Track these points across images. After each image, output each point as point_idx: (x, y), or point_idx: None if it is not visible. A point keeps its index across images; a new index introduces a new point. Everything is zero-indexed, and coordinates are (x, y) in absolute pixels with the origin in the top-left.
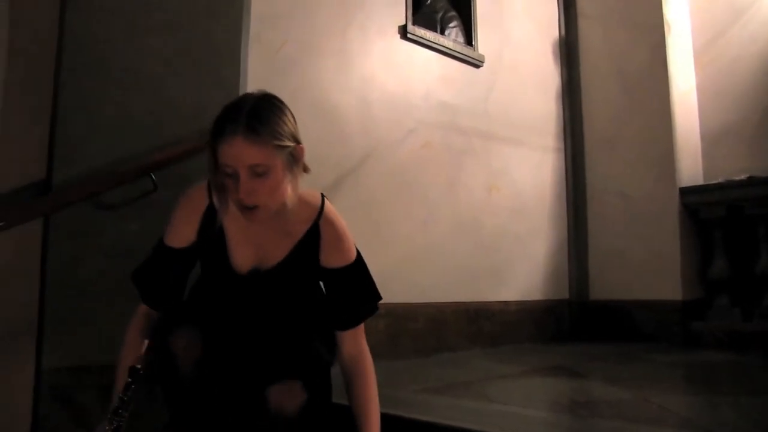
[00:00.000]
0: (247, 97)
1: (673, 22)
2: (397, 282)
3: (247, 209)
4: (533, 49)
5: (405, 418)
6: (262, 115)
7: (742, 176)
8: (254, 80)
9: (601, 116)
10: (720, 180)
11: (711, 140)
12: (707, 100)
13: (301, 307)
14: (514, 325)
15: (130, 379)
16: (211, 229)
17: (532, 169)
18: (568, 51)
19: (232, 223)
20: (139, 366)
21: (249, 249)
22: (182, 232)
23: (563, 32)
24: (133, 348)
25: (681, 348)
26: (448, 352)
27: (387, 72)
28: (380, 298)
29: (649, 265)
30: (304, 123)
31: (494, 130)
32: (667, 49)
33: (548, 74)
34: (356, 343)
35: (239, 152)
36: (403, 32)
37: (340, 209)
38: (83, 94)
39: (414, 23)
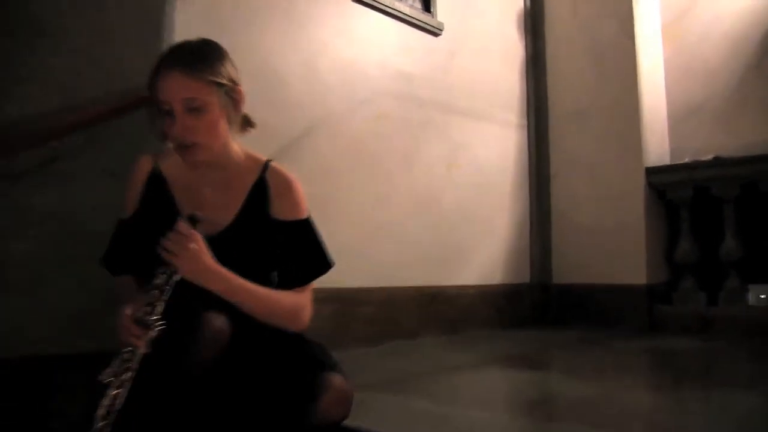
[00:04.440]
0: (188, 40)
1: None
2: (347, 264)
3: (186, 148)
4: (497, 18)
5: None
6: (200, 51)
7: (709, 156)
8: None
9: (567, 90)
10: (687, 160)
11: (678, 118)
12: (675, 77)
13: (259, 270)
14: (474, 310)
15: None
16: (157, 194)
17: (495, 144)
18: (534, 21)
19: (178, 183)
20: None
21: (199, 210)
22: (130, 201)
23: (529, 1)
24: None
25: (646, 333)
26: (402, 340)
27: (338, 37)
28: (332, 262)
29: (614, 247)
30: (244, 88)
31: (455, 102)
32: (635, 21)
33: (512, 45)
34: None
35: (173, 84)
36: None
37: None
38: None
39: None
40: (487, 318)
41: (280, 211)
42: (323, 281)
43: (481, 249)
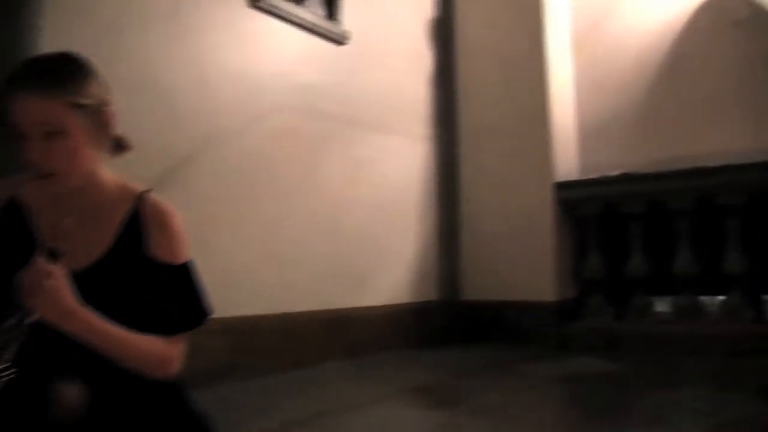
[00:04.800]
0: (45, 54)
1: (552, 6)
2: (242, 291)
3: (45, 176)
4: (406, 27)
5: None
6: (57, 68)
7: (617, 172)
8: (51, 47)
9: (478, 103)
10: (595, 175)
11: (589, 132)
12: (585, 91)
13: (126, 312)
14: (381, 332)
15: None
16: (14, 225)
17: (402, 159)
18: (444, 31)
19: (40, 213)
20: None
21: (60, 243)
22: None
23: (439, 11)
24: None
25: (555, 353)
26: (303, 369)
27: (231, 46)
28: (209, 313)
29: (523, 264)
30: (122, 101)
31: (359, 115)
32: (545, 34)
33: (422, 55)
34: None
35: (25, 107)
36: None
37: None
38: None
39: None
40: (395, 339)
41: (155, 250)
42: (216, 312)
43: (387, 268)
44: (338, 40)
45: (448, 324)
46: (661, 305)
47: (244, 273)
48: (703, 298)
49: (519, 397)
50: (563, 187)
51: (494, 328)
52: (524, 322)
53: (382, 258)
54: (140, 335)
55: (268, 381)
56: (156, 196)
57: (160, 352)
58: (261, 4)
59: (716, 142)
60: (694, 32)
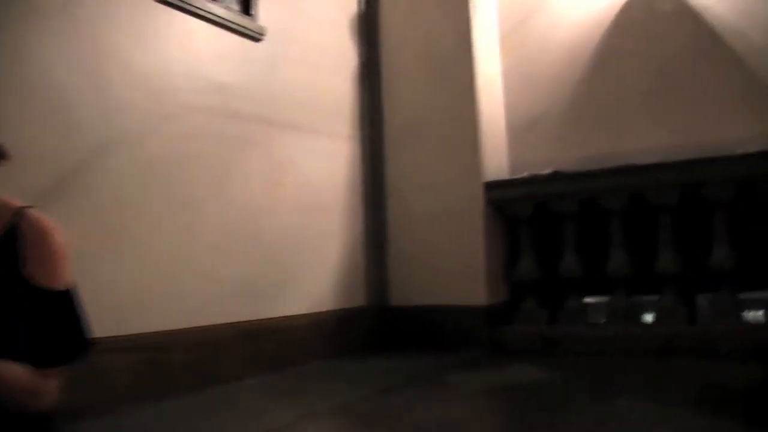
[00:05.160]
0: None
1: (480, 3)
2: (150, 306)
3: None
4: (328, 22)
5: None
6: None
7: (548, 170)
8: None
9: (404, 101)
10: (525, 174)
11: (518, 131)
12: (514, 89)
13: None
14: (303, 343)
15: None
16: None
17: (325, 161)
18: (369, 27)
19: None
20: None
21: None
22: None
23: (363, 5)
24: None
25: (488, 359)
26: (219, 386)
27: (136, 43)
28: (89, 344)
29: (453, 267)
30: (10, 104)
31: (278, 115)
32: (472, 30)
33: (345, 52)
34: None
35: None
36: None
37: (66, 216)
38: None
39: None
40: (320, 349)
41: (32, 271)
42: (120, 330)
43: (311, 274)
44: (254, 36)
45: (376, 331)
46: (596, 306)
47: (155, 285)
48: (638, 298)
49: (447, 414)
50: (493, 186)
51: (425, 334)
52: (455, 328)
53: (305, 264)
54: (5, 364)
55: (181, 402)
56: (37, 213)
57: (28, 384)
58: None
59: (648, 138)
60: (622, 27)
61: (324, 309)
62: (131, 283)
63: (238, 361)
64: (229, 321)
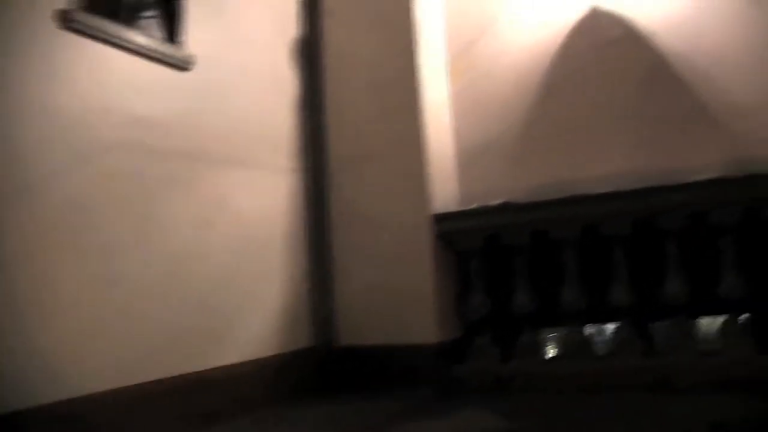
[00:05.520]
0: None
1: (425, 25)
2: (61, 371)
3: None
4: (265, 47)
5: None
6: None
7: (499, 201)
8: None
9: (348, 130)
10: (475, 205)
11: (468, 160)
12: (463, 116)
13: None
14: (243, 393)
15: None
16: None
17: (262, 196)
18: (310, 52)
19: None
20: None
21: None
22: None
23: (304, 30)
24: None
25: (439, 401)
26: None
27: (43, 76)
28: None
29: (402, 304)
30: None
31: (209, 150)
32: (418, 54)
33: (285, 79)
34: None
35: None
36: (65, 19)
37: None
38: None
39: (85, 8)
40: (261, 398)
41: None
42: (31, 401)
43: (248, 318)
44: (181, 65)
45: (324, 372)
46: (550, 342)
47: (69, 347)
48: (593, 330)
49: None
50: (442, 219)
51: (374, 375)
52: (406, 367)
53: (241, 309)
54: None
55: None
56: None
57: None
58: (76, 26)
59: (601, 166)
60: (571, 51)
61: (265, 354)
62: (42, 348)
63: (166, 422)
64: (156, 378)
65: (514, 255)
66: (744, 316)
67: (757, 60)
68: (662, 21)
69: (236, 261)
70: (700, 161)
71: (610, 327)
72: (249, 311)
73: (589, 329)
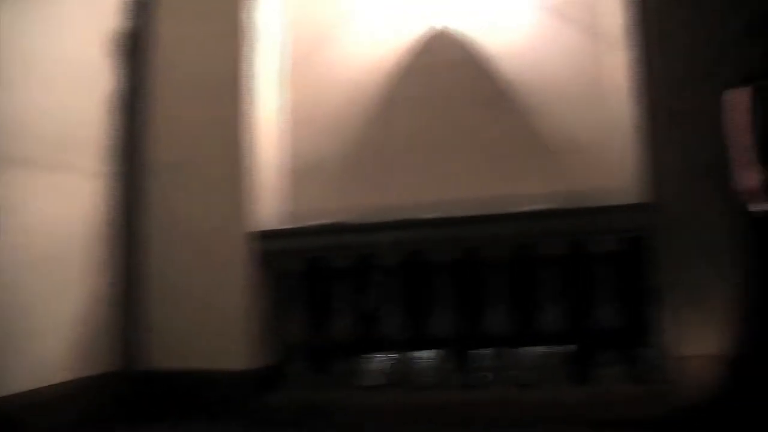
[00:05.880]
0: None
1: (264, 31)
2: None
3: None
4: (81, 38)
5: None
6: None
7: (327, 221)
8: None
9: (169, 135)
10: (296, 225)
11: (298, 176)
12: (298, 128)
13: None
14: (24, 426)
15: None
16: None
17: (63, 203)
18: (134, 46)
19: None
20: None
21: None
22: None
23: (129, 23)
24: None
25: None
26: None
27: None
28: None
29: (215, 326)
30: None
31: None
32: (254, 60)
33: (98, 75)
34: None
35: None
36: None
37: None
38: None
39: None
40: (49, 428)
41: None
42: None
43: (37, 341)
44: None
45: (126, 399)
46: (370, 370)
47: None
48: (414, 358)
49: None
50: (263, 237)
51: (183, 402)
52: (216, 395)
53: (29, 330)
54: None
55: None
56: None
57: None
58: None
59: (432, 191)
60: (408, 71)
61: (56, 381)
62: None
63: None
64: None
65: (336, 278)
66: (565, 348)
67: (594, 97)
68: (504, 47)
69: (25, 275)
70: (531, 190)
71: (431, 356)
72: (37, 333)
73: (410, 358)
